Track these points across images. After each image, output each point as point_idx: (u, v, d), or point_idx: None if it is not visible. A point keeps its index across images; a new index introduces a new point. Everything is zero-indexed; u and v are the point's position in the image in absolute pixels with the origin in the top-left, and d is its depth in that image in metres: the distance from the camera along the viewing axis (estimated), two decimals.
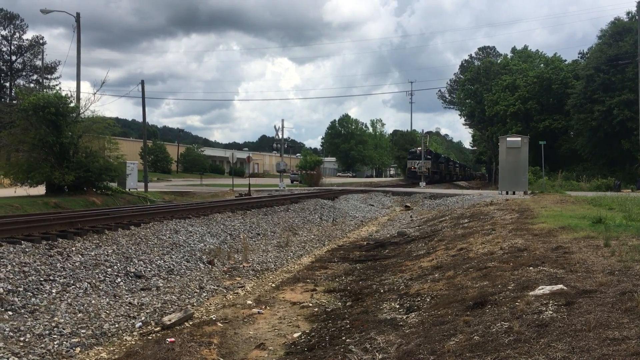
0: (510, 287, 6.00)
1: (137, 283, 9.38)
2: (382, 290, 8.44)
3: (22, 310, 7.18)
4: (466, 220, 15.47)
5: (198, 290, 9.31)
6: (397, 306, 7.17)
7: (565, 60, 57.23)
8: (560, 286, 5.51)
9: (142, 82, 36.16)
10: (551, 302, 5.06)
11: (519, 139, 27.79)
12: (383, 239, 15.71)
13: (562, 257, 7.07)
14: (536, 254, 7.60)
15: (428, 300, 6.89)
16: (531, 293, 5.50)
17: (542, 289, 5.54)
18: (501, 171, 28.42)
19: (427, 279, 8.19)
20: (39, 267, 8.59)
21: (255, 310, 8.04)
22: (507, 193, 26.97)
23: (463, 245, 10.34)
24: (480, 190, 40.66)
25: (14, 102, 47.80)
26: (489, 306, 5.52)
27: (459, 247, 10.38)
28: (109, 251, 10.35)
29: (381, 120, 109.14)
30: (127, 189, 28.00)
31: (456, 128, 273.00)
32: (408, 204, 29.36)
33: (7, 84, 70.15)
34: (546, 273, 6.32)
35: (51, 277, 8.42)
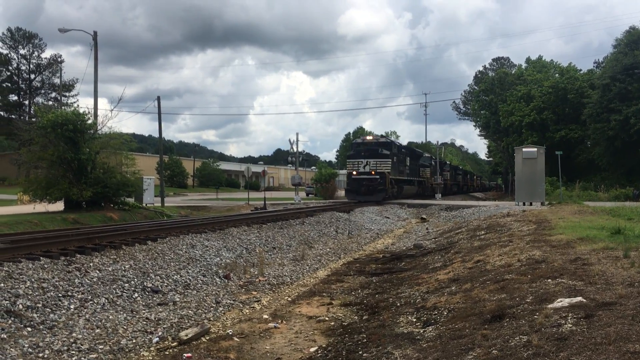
0: (528, 300, 5.93)
1: (154, 298, 9.42)
2: (398, 304, 8.39)
3: (41, 326, 7.24)
4: (483, 232, 15.35)
5: (214, 305, 9.32)
6: (414, 320, 7.12)
7: (581, 70, 56.89)
8: (579, 298, 5.43)
9: (158, 98, 36.57)
10: (570, 314, 5.00)
11: (535, 149, 27.62)
12: (399, 252, 15.63)
13: (580, 269, 6.99)
14: (554, 265, 7.52)
15: (445, 313, 6.84)
16: (550, 306, 5.43)
17: (561, 301, 5.47)
18: (518, 182, 28.22)
19: (444, 292, 8.13)
20: (57, 283, 8.67)
21: (271, 324, 8.03)
22: (524, 204, 26.76)
23: (480, 258, 10.25)
24: (496, 201, 40.35)
25: (33, 120, 48.57)
26: (507, 319, 5.46)
27: (475, 259, 10.30)
28: (126, 266, 10.42)
29: (395, 132, 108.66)
30: (144, 204, 28.21)
31: (471, 139, 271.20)
32: (424, 216, 29.22)
33: (26, 102, 71.33)
34: (565, 285, 6.24)
35: (69, 293, 8.49)
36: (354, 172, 35.68)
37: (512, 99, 55.23)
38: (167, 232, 14.09)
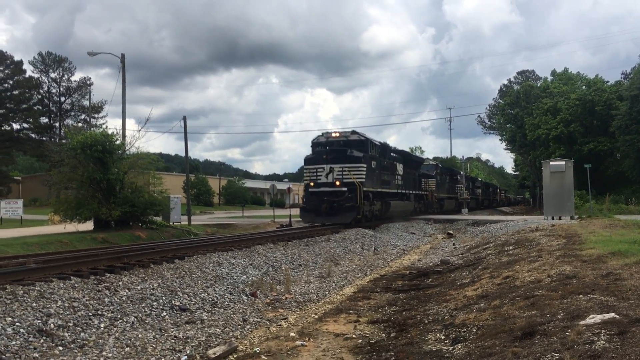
0: (559, 317, 5.83)
1: (182, 316, 9.49)
2: (426, 321, 8.30)
3: (72, 345, 7.35)
4: (511, 247, 15.14)
5: (242, 323, 9.35)
6: (443, 337, 7.04)
7: (608, 82, 56.10)
8: (612, 315, 5.32)
9: (184, 118, 37.09)
10: (603, 331, 4.90)
11: (563, 162, 27.26)
12: (426, 268, 15.49)
13: (613, 284, 6.85)
14: (585, 281, 7.38)
15: (474, 330, 6.75)
16: (582, 322, 5.33)
17: (593, 317, 5.37)
18: (546, 196, 27.84)
19: (473, 309, 8.03)
20: (87, 302, 8.80)
21: (298, 342, 8.01)
22: (552, 218, 26.35)
23: (509, 273, 10.11)
24: (524, 215, 39.78)
25: (63, 141, 49.67)
26: (538, 336, 5.37)
27: (504, 275, 10.16)
28: (155, 285, 10.53)
29: (420, 148, 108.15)
30: (171, 223, 28.52)
31: (497, 153, 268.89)
32: (450, 232, 28.94)
33: (57, 124, 73.03)
34: (597, 301, 6.12)
35: (99, 312, 8.61)
36: (311, 184, 25.07)
37: (538, 112, 54.65)
38: (194, 251, 14.21)
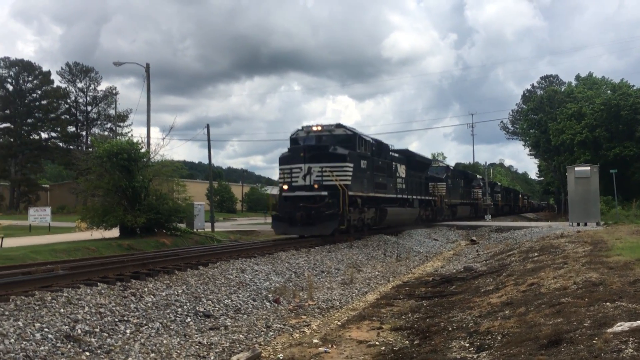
0: (586, 324, 5.76)
1: (206, 322, 9.58)
2: (450, 328, 8.25)
3: (99, 351, 7.46)
4: (536, 254, 14.96)
5: (265, 329, 9.40)
6: (467, 345, 6.99)
7: (634, 86, 55.16)
8: None
9: (208, 126, 37.53)
10: (631, 339, 4.83)
11: (588, 168, 26.87)
12: (449, 275, 15.39)
13: None
14: (613, 288, 7.27)
15: (499, 338, 6.69)
16: (609, 330, 5.26)
17: (621, 325, 5.29)
18: (571, 202, 27.46)
19: (497, 316, 7.96)
20: (114, 308, 8.93)
21: (321, 349, 8.03)
22: (578, 224, 25.97)
23: (533, 280, 10.00)
24: (549, 222, 39.26)
25: (89, 150, 50.50)
26: (565, 344, 5.31)
27: (529, 282, 10.05)
28: (179, 291, 10.64)
29: (442, 154, 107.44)
30: (194, 230, 28.78)
31: (521, 159, 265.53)
32: (474, 238, 28.70)
33: (84, 133, 74.35)
34: (624, 308, 6.03)
35: (125, 318, 8.73)
36: (285, 187, 21.13)
37: (562, 117, 53.93)
38: (218, 257, 14.33)
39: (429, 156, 50.72)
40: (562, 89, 65.34)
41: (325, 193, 20.23)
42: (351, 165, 21.15)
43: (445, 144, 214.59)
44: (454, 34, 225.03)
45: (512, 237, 24.93)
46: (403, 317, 10.05)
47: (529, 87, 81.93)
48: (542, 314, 6.92)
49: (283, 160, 21.73)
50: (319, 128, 22.30)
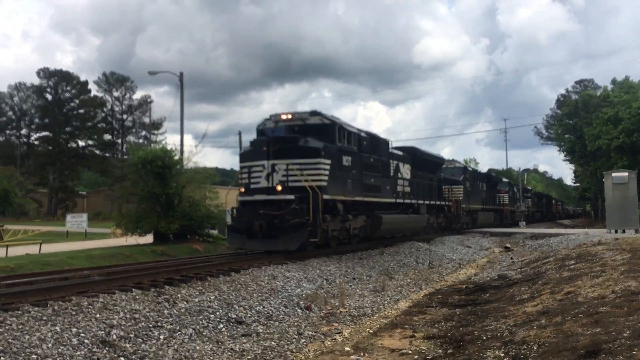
0: (625, 335, 5.60)
1: (238, 329, 9.63)
2: (484, 337, 8.12)
3: (133, 357, 7.56)
4: (572, 262, 14.63)
5: (297, 337, 9.40)
6: (502, 354, 6.87)
7: None
8: None
9: (240, 133, 37.95)
10: None
11: (626, 174, 26.24)
12: (483, 283, 15.17)
13: None
14: None
15: (535, 348, 6.56)
16: None
17: None
18: (608, 208, 26.83)
19: (533, 325, 7.80)
20: (148, 314, 9.05)
21: (353, 357, 7.99)
22: (616, 231, 25.32)
23: (570, 289, 9.78)
24: (585, 229, 38.36)
25: (125, 157, 51.50)
26: (603, 355, 5.17)
27: (565, 290, 9.83)
28: (212, 297, 10.73)
29: (475, 159, 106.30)
30: (226, 236, 28.97)
31: (555, 164, 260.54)
32: (508, 245, 28.23)
33: (119, 141, 76.01)
34: None
35: (159, 324, 8.84)
36: (242, 189, 17.23)
37: (598, 121, 52.76)
38: (250, 264, 14.40)
39: (461, 161, 46.34)
40: (598, 93, 63.98)
41: (291, 197, 16.00)
42: (327, 162, 16.94)
43: (477, 149, 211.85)
44: (486, 38, 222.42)
45: (547, 245, 24.46)
46: (436, 325, 9.93)
47: (563, 92, 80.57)
48: (580, 324, 6.76)
49: (243, 156, 17.97)
50: (289, 117, 18.01)
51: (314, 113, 18.15)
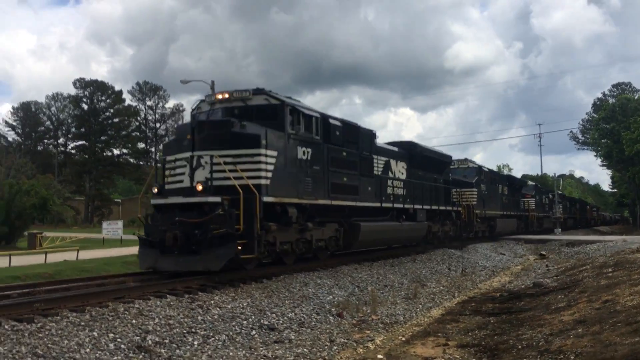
0: None
1: (271, 335, 9.67)
2: (519, 346, 8.00)
3: None
4: (610, 270, 14.30)
5: (329, 344, 9.39)
6: None
7: None
8: None
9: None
10: None
11: None
12: (517, 290, 14.93)
13: None
14: None
15: (572, 358, 6.44)
16: None
17: None
18: None
19: (570, 334, 7.66)
20: (182, 320, 9.18)
21: None
22: None
23: (608, 297, 9.56)
24: (624, 235, 37.44)
25: (158, 165, 52.28)
26: None
27: (603, 298, 9.62)
28: (244, 304, 10.81)
29: (508, 165, 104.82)
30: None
31: (592, 170, 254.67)
32: (543, 252, 27.73)
33: (152, 149, 77.32)
34: None
35: (193, 330, 8.95)
36: (155, 189, 13.43)
37: (636, 125, 51.56)
38: (281, 271, 14.44)
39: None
40: (636, 97, 62.56)
41: (216, 199, 11.96)
42: (273, 153, 13.18)
43: (511, 155, 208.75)
44: (520, 42, 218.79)
45: (584, 252, 23.97)
46: (470, 333, 9.81)
47: (599, 96, 79.16)
48: (618, 333, 6.61)
49: (166, 148, 15.05)
50: (226, 96, 14.21)
51: (259, 91, 14.32)
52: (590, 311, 8.95)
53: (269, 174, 12.97)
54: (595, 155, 71.72)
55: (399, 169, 21.13)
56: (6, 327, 7.45)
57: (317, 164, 15.16)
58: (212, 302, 10.45)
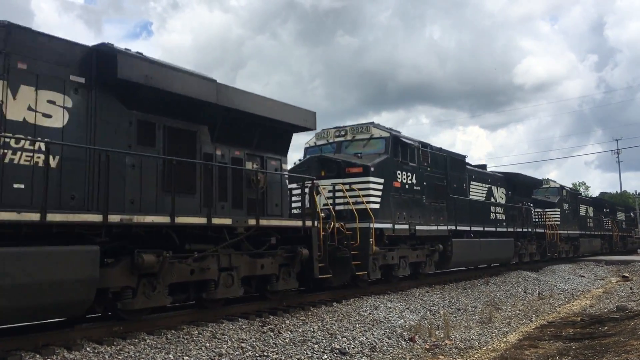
0: None
1: None
2: None
3: None
4: None
5: None
6: None
7: None
8: None
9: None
10: None
11: None
12: (599, 315, 14.17)
13: None
14: None
15: None
16: None
17: None
18: None
19: None
20: (254, 343, 9.25)
21: None
22: None
23: None
24: None
25: None
26: None
27: None
28: (315, 328, 10.79)
29: (585, 183, 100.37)
30: None
31: None
32: (626, 274, 26.27)
33: None
34: None
35: (265, 353, 9.00)
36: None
37: None
38: (351, 294, 14.36)
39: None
40: None
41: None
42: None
43: (587, 172, 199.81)
44: (594, 55, 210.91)
45: None
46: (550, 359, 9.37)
47: None
48: None
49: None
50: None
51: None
52: None
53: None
54: None
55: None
56: (88, 349, 7.74)
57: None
58: (283, 325, 10.50)
